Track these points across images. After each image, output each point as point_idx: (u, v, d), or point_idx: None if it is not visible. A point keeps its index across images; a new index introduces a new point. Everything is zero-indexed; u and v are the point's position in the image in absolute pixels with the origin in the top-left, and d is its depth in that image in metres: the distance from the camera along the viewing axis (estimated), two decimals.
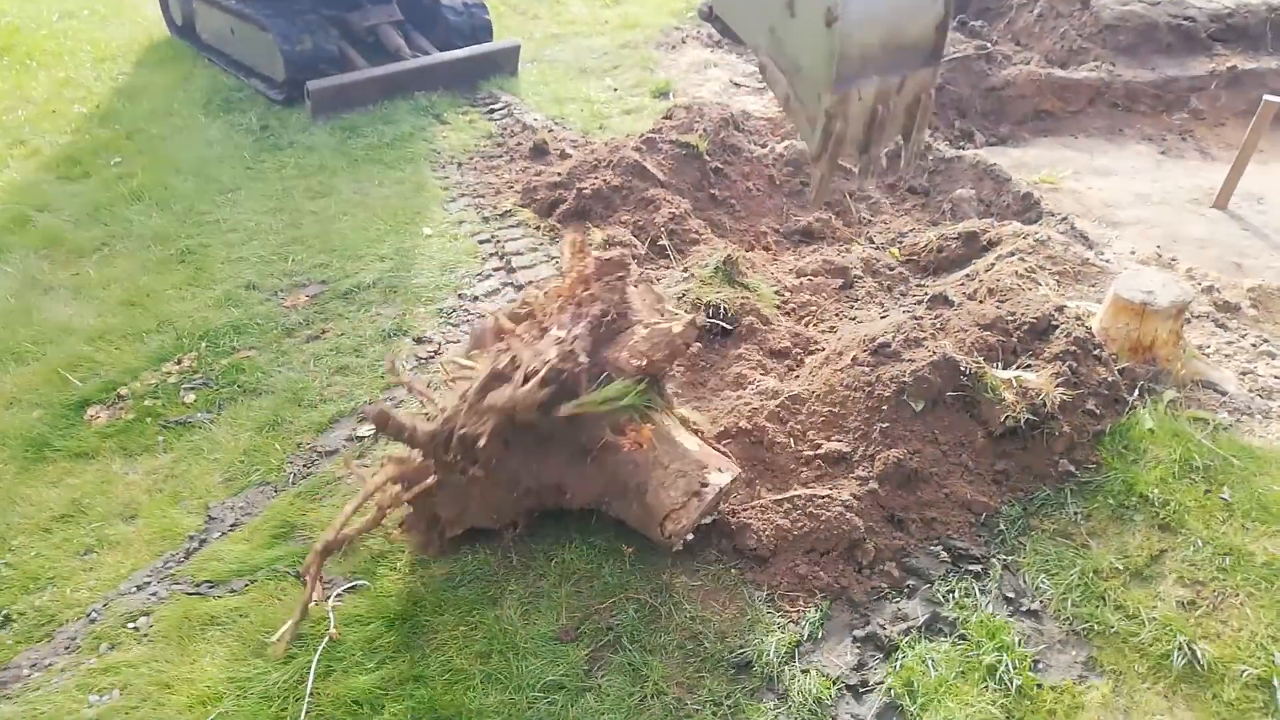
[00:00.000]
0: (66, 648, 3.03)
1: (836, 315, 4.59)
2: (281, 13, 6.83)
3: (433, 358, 4.34)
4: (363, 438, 3.88)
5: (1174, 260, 4.81)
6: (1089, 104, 8.76)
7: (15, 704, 2.83)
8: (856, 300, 4.77)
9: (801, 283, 4.85)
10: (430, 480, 2.99)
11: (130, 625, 3.08)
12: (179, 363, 4.33)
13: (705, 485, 3.01)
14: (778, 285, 4.77)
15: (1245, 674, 2.74)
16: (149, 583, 3.24)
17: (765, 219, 5.59)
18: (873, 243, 5.43)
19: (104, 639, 3.03)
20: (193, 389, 4.17)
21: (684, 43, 7.94)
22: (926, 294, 4.63)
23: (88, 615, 3.13)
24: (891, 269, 5.07)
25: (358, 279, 4.93)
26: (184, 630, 3.03)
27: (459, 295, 4.79)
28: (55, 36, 8.78)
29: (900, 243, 5.36)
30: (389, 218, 5.52)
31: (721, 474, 3.07)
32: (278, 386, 4.18)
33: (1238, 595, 2.96)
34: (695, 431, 3.31)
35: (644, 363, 3.08)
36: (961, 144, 8.08)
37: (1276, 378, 3.74)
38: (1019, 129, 8.62)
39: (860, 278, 4.93)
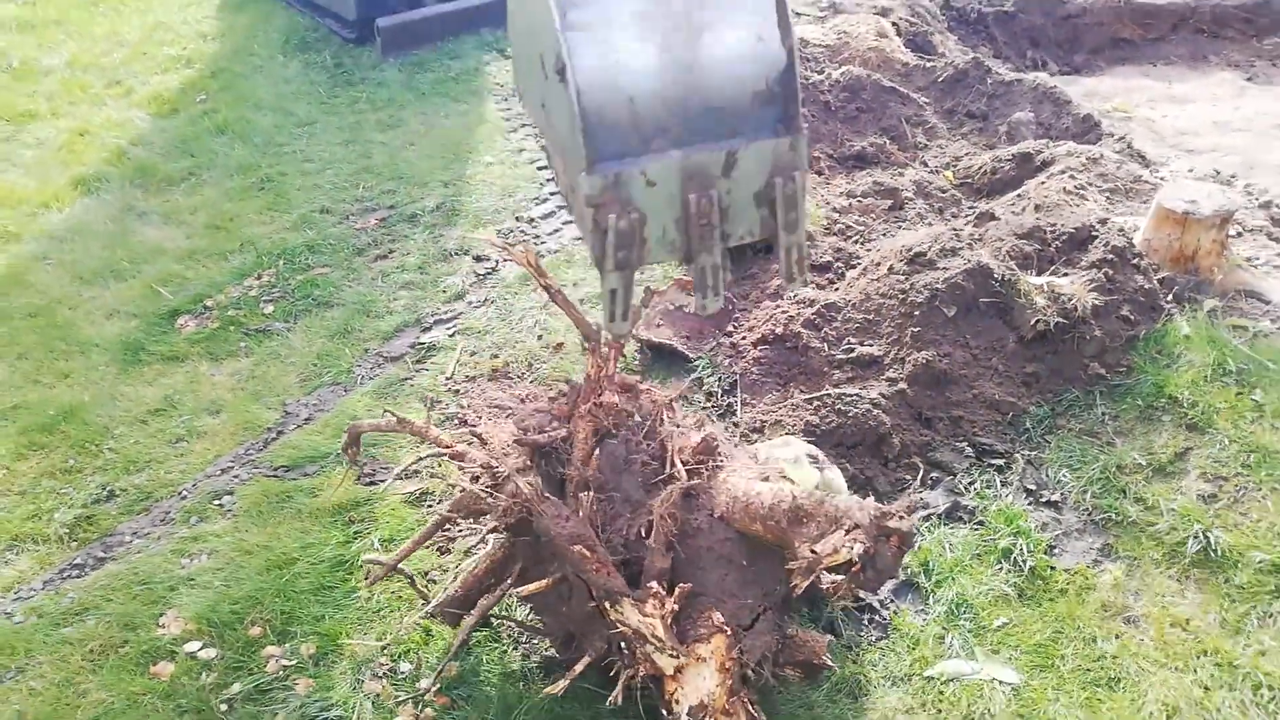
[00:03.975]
0: (162, 520, 3.39)
1: (884, 235, 4.66)
2: None
3: (490, 275, 4.59)
4: (425, 344, 4.16)
5: (1233, 178, 4.72)
6: (1172, 30, 8.45)
7: (120, 564, 3.20)
8: (906, 221, 4.83)
9: (850, 204, 4.92)
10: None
11: (216, 502, 3.42)
12: (259, 278, 4.67)
13: None
14: (826, 207, 4.86)
15: (1260, 560, 2.81)
16: (232, 467, 3.59)
17: (820, 144, 5.63)
18: (927, 166, 5.45)
19: (193, 513, 3.38)
20: (271, 301, 4.49)
21: None
22: (975, 213, 4.66)
23: (179, 493, 3.49)
24: (944, 191, 5.09)
25: (422, 204, 5.19)
26: (263, 506, 3.36)
27: (516, 218, 5.01)
28: None
29: (955, 166, 5.37)
30: (453, 147, 5.76)
31: None
32: (348, 300, 4.47)
33: (1260, 490, 3.02)
34: None
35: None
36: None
37: None
38: (1095, 58, 8.37)
39: (911, 199, 4.97)
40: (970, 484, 3.16)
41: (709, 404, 3.69)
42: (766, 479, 2.58)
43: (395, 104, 6.31)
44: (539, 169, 5.43)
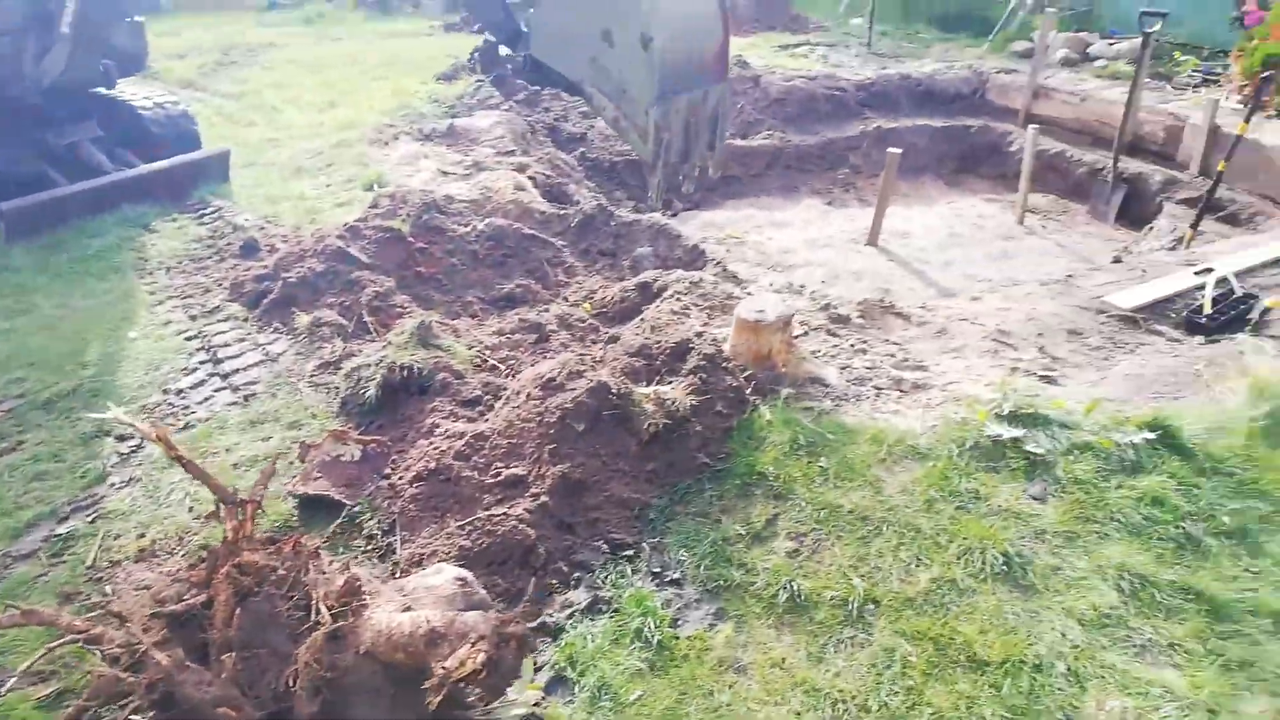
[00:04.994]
0: None
1: (531, 365, 5.12)
2: None
3: (134, 453, 4.47)
4: (61, 536, 3.96)
5: (802, 288, 5.73)
6: (767, 167, 10.05)
7: None
8: (551, 351, 5.34)
9: (500, 341, 5.38)
10: None
11: None
12: None
13: None
14: (478, 345, 5.27)
15: (832, 597, 3.41)
16: None
17: (472, 290, 6.10)
18: (568, 301, 6.07)
19: None
20: None
21: (396, 139, 8.46)
22: (607, 338, 5.27)
23: None
24: (584, 322, 5.70)
25: (58, 388, 4.96)
26: None
27: (164, 391, 4.94)
28: None
29: (591, 298, 6.02)
30: (94, 327, 5.57)
31: None
32: None
33: (829, 539, 3.67)
34: None
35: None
36: (662, 212, 9.02)
37: (867, 368, 4.62)
38: (712, 194, 9.73)
39: (555, 331, 5.51)
40: (606, 578, 3.55)
41: (369, 546, 3.84)
42: (408, 609, 2.79)
43: (25, 289, 6.01)
44: (186, 339, 5.40)
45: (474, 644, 2.60)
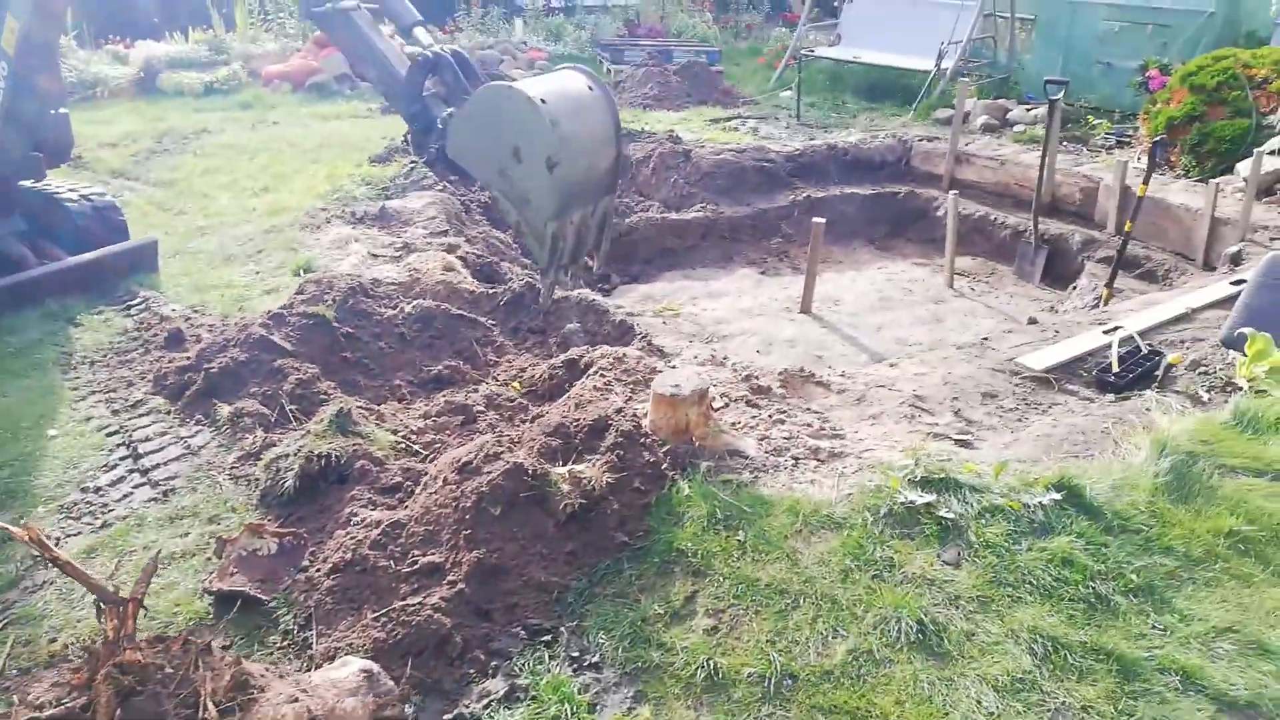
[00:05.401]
0: None
1: (455, 448, 5.12)
2: None
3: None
4: None
5: (725, 360, 5.83)
6: (701, 239, 10.26)
7: None
8: (478, 433, 5.34)
9: (426, 424, 5.37)
10: None
11: None
12: None
13: None
14: (404, 430, 5.25)
15: (750, 674, 3.42)
16: None
17: (400, 373, 6.10)
18: (497, 380, 6.10)
19: None
20: None
21: (328, 222, 8.51)
22: (533, 417, 5.29)
23: None
24: (512, 401, 5.72)
25: None
26: None
27: (82, 489, 4.85)
28: None
29: (521, 377, 6.06)
30: (12, 426, 5.46)
31: None
32: None
33: (748, 614, 3.68)
34: None
35: None
36: (600, 285, 9.16)
37: (785, 438, 4.69)
38: (648, 267, 9.90)
39: (483, 412, 5.52)
40: (524, 665, 3.52)
41: (285, 642, 3.77)
42: (295, 700, 2.75)
43: None
44: (107, 435, 5.31)
45: None
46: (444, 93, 4.54)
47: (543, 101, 3.88)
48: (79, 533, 4.56)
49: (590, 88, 4.25)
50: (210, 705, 2.72)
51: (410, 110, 4.67)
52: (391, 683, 3.16)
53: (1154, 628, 3.67)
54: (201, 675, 2.84)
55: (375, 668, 3.21)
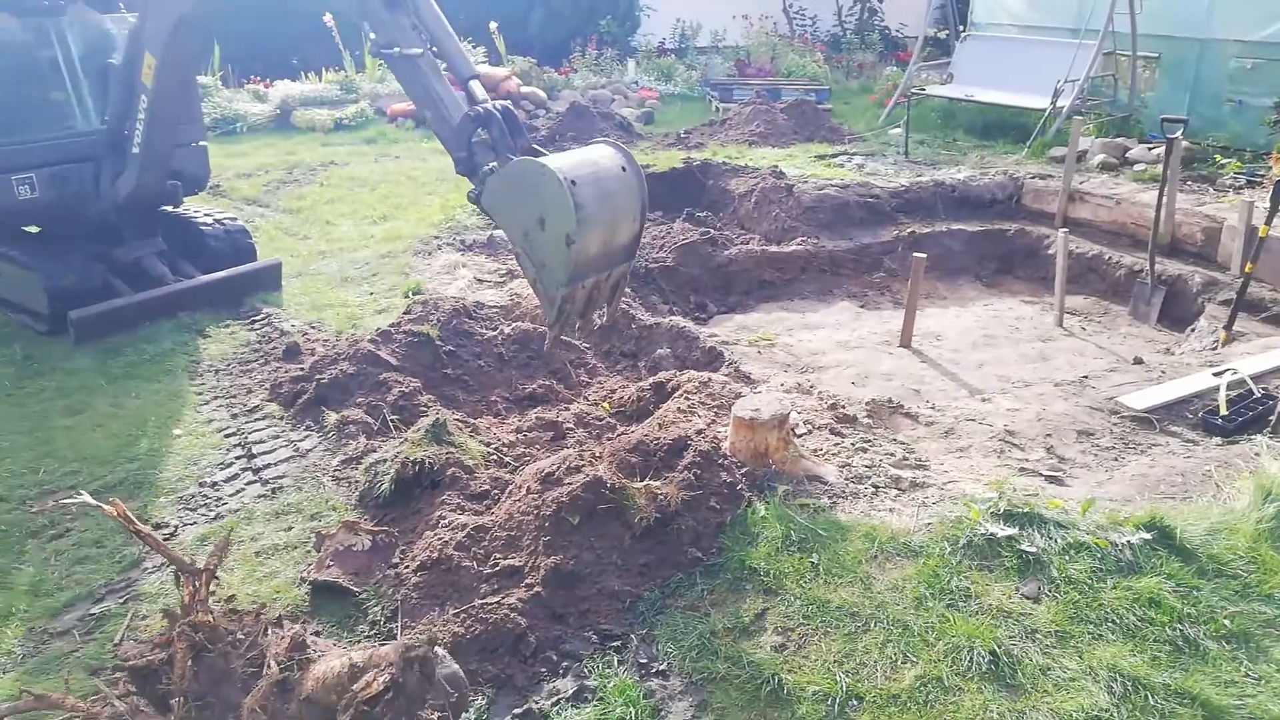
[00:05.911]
0: None
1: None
2: (45, 253, 7.38)
3: (169, 540, 4.73)
4: (95, 615, 4.21)
5: (811, 388, 5.84)
6: (801, 272, 10.26)
7: None
8: (566, 449, 5.51)
9: (517, 439, 5.58)
10: None
11: None
12: None
13: None
14: (496, 443, 5.47)
15: (814, 691, 3.43)
16: None
17: (497, 390, 6.36)
18: (589, 400, 6.28)
19: None
20: None
21: (439, 249, 8.93)
22: (618, 435, 5.43)
23: None
24: (601, 420, 5.88)
25: (105, 480, 5.30)
26: None
27: (200, 484, 5.24)
28: None
29: (611, 398, 6.22)
30: (142, 424, 5.95)
31: None
32: (15, 583, 4.46)
33: (817, 634, 3.69)
34: None
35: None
36: (697, 314, 9.29)
37: (867, 466, 4.68)
38: (745, 298, 9.96)
39: (572, 429, 5.70)
40: (593, 667, 3.62)
41: (372, 631, 3.99)
42: (343, 657, 3.00)
43: (85, 390, 6.45)
44: (225, 436, 5.72)
45: (382, 670, 2.79)
46: (491, 142, 4.80)
47: (573, 183, 4.13)
48: (195, 522, 4.93)
49: (624, 168, 4.49)
50: (273, 664, 2.98)
51: (456, 155, 4.95)
52: (455, 665, 3.34)
53: (1246, 676, 3.51)
54: (268, 641, 3.11)
55: (442, 652, 3.41)
